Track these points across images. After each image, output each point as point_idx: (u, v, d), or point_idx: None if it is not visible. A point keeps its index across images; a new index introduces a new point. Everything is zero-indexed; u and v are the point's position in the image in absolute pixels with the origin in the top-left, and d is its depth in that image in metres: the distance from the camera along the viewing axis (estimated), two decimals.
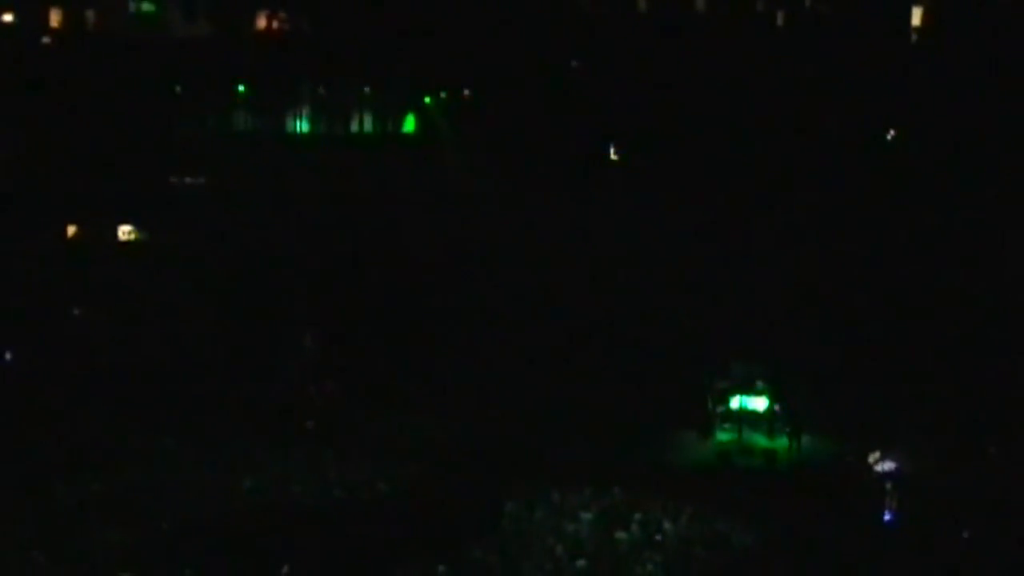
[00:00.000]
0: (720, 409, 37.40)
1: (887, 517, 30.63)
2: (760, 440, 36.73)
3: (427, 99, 46.67)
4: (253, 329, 40.83)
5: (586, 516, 30.23)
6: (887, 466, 32.72)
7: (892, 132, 42.53)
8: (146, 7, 48.21)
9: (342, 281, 41.93)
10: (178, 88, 46.90)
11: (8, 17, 47.33)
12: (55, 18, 47.39)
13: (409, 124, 47.94)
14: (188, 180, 47.29)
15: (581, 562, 27.42)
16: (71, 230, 46.36)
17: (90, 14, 47.57)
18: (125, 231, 46.57)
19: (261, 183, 44.72)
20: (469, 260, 42.70)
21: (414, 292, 42.10)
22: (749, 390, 37.30)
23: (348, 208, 44.10)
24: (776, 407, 37.04)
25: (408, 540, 28.46)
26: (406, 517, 30.13)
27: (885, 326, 38.69)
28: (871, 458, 33.22)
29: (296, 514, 30.32)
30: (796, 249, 39.91)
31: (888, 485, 31.49)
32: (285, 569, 26.47)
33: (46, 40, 47.62)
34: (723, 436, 37.05)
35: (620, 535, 29.03)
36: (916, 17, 42.00)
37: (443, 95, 46.50)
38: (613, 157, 45.61)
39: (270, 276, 42.29)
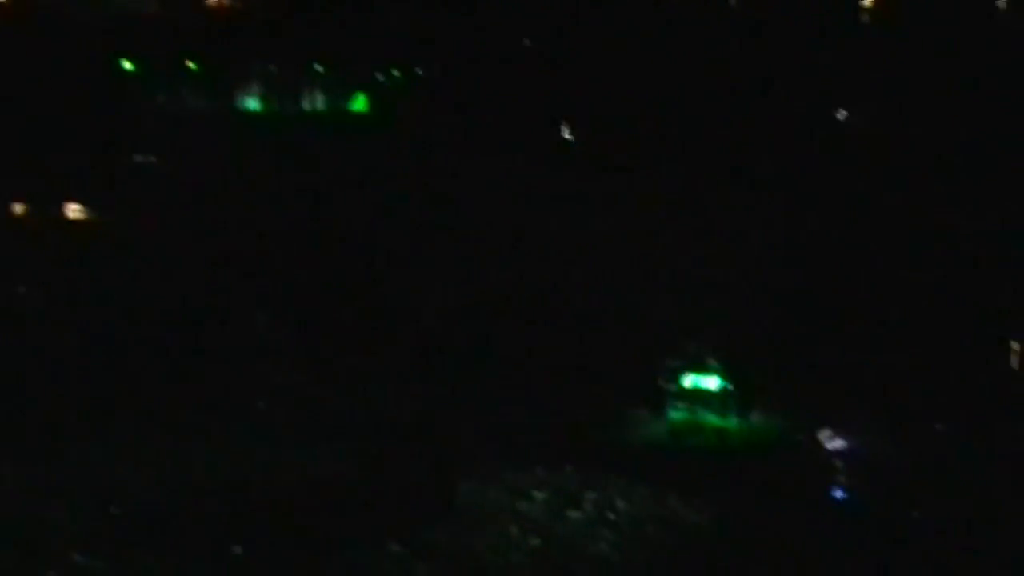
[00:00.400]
0: (672, 388, 37.26)
1: (838, 494, 30.84)
2: (712, 419, 36.66)
3: (379, 77, 46.36)
4: (205, 308, 40.09)
5: (539, 495, 30.23)
6: (838, 444, 32.85)
7: (843, 112, 42.50)
8: None
9: (298, 261, 41.43)
10: (127, 65, 46.28)
11: None
12: None
13: (360, 103, 47.57)
14: (138, 159, 46.64)
15: (535, 541, 27.49)
16: (17, 209, 45.65)
17: None
18: (73, 210, 45.87)
19: (212, 162, 44.11)
20: (425, 239, 42.38)
21: (372, 272, 41.71)
22: (701, 369, 37.27)
23: (302, 187, 43.74)
24: (728, 386, 36.98)
25: (362, 521, 28.30)
26: (360, 498, 29.91)
27: (838, 309, 38.83)
28: (822, 436, 33.35)
29: (248, 495, 29.99)
30: (753, 232, 39.68)
31: (839, 463, 31.81)
32: (237, 550, 26.26)
33: None
34: (675, 415, 36.88)
35: (573, 514, 29.15)
36: None
37: (396, 73, 46.22)
38: (568, 137, 45.52)
39: (223, 255, 41.64)
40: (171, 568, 25.64)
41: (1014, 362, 36.26)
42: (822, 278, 39.65)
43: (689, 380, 37.12)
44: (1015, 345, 36.16)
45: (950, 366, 36.43)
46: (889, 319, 38.28)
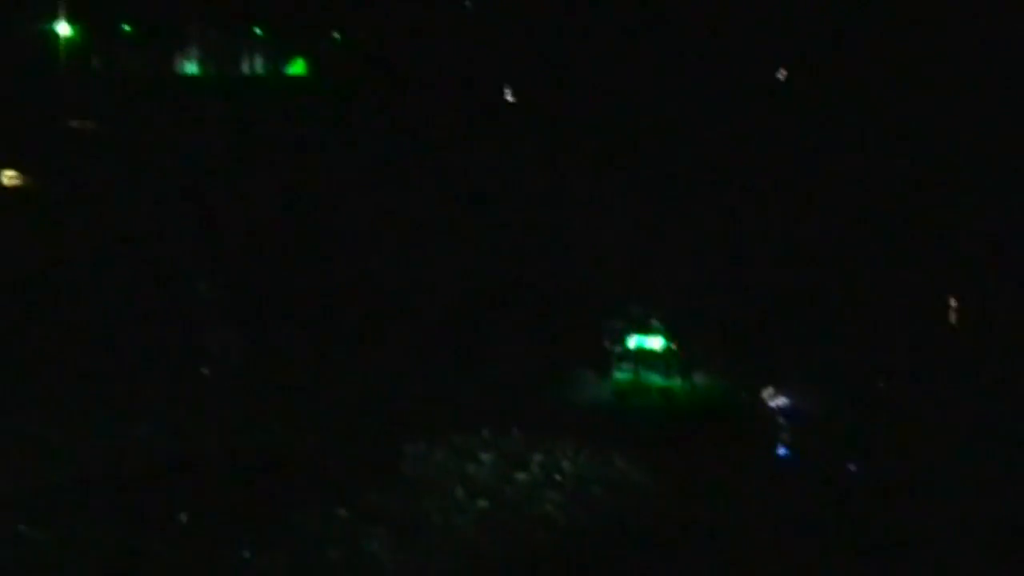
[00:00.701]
0: (617, 349, 37.32)
1: (781, 451, 31.12)
2: (656, 379, 36.79)
3: (318, 41, 45.90)
4: (144, 274, 39.45)
5: (486, 457, 30.27)
6: (780, 402, 33.04)
7: (783, 72, 42.42)
8: None
9: (237, 224, 40.79)
10: (63, 29, 45.49)
11: None
12: None
13: (299, 66, 47.13)
14: (75, 124, 45.94)
15: (482, 503, 27.54)
16: None
17: None
18: (9, 176, 45.26)
19: (150, 126, 43.36)
20: (367, 203, 42.04)
21: (314, 237, 41.41)
22: (646, 330, 37.31)
23: (240, 151, 43.31)
24: (672, 346, 37.12)
25: (306, 485, 28.17)
26: (304, 463, 29.78)
27: (780, 270, 39.01)
28: (765, 394, 33.55)
29: (191, 462, 29.68)
30: (697, 197, 39.62)
31: (781, 420, 32.05)
32: (182, 517, 26.05)
33: None
34: (620, 375, 37.01)
35: (520, 476, 29.18)
36: None
37: (337, 36, 45.76)
38: (510, 99, 45.25)
39: (160, 220, 40.98)
40: (116, 537, 25.21)
41: (952, 318, 36.48)
42: (765, 240, 39.67)
43: (633, 341, 37.17)
44: (952, 302, 36.33)
45: (890, 324, 36.79)
46: (828, 278, 38.52)
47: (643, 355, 37.11)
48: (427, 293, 39.36)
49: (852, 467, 29.35)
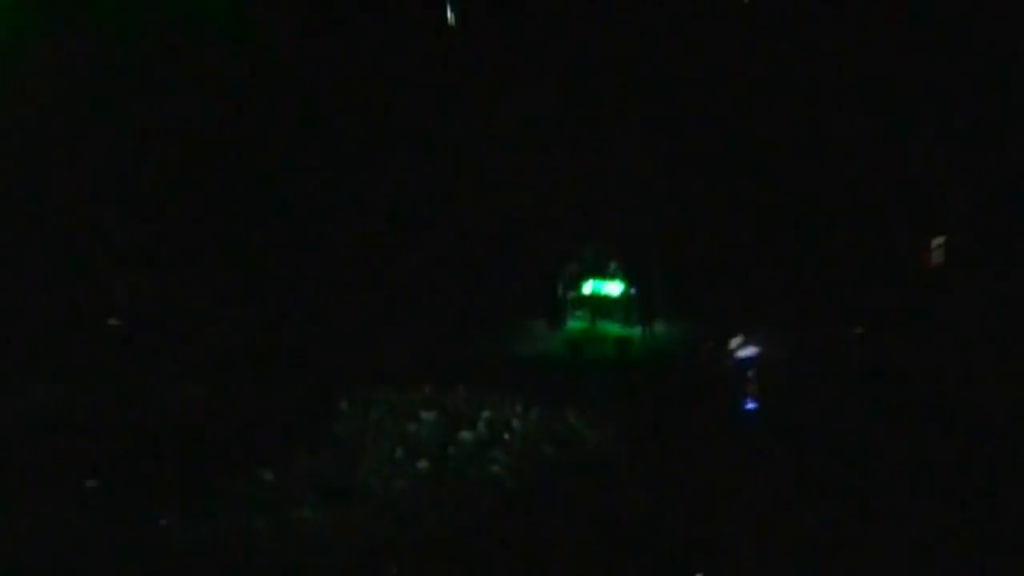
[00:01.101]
0: (571, 295, 35.31)
1: (748, 405, 29.05)
2: (614, 328, 34.81)
3: None
4: (41, 211, 35.15)
5: (428, 416, 28.19)
6: (749, 352, 30.72)
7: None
8: None
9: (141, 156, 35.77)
10: None
11: None
12: None
13: None
14: None
15: (423, 463, 25.62)
16: None
17: None
18: None
19: None
20: (299, 150, 37.37)
21: (235, 181, 36.58)
22: (602, 274, 35.35)
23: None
24: (631, 291, 35.00)
25: (229, 445, 25.95)
26: (226, 421, 27.42)
27: (747, 216, 35.95)
28: (732, 343, 31.16)
29: (102, 422, 27.24)
30: (658, 141, 36.64)
31: (750, 372, 29.78)
32: (91, 483, 24.31)
33: None
34: (574, 324, 35.07)
35: (465, 435, 27.27)
36: None
37: None
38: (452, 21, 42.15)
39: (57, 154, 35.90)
40: (26, 505, 23.22)
41: (935, 259, 34.27)
42: (732, 185, 36.51)
43: (589, 286, 35.28)
44: (937, 241, 34.11)
45: (869, 265, 34.23)
46: (799, 224, 35.49)
47: (599, 302, 35.22)
48: (366, 245, 35.89)
49: (825, 421, 27.15)
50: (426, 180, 35.85)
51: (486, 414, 28.21)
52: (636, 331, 34.56)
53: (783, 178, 35.31)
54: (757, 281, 34.25)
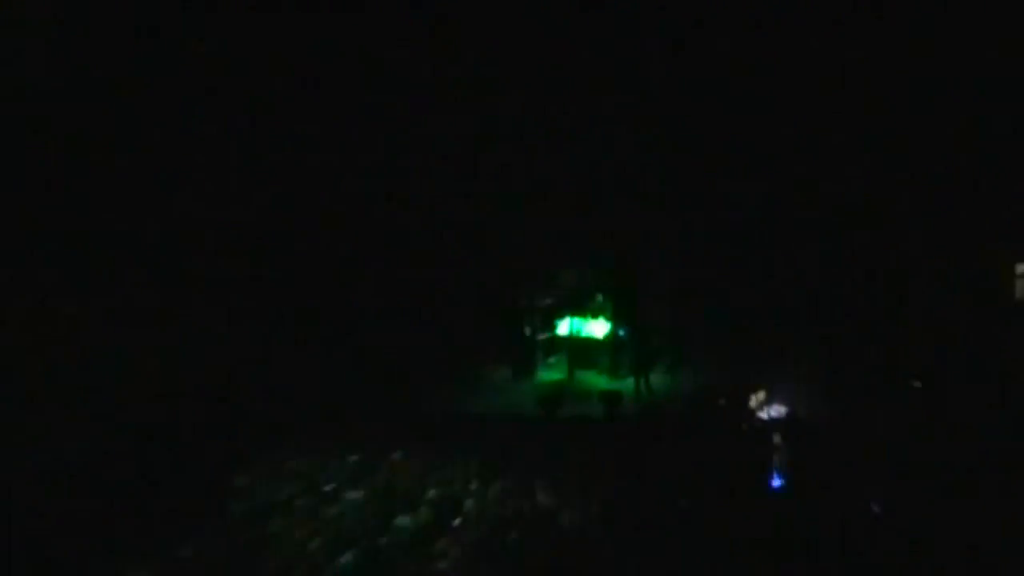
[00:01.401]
0: (543, 336, 29.13)
1: (776, 482, 22.53)
2: (598, 379, 28.36)
3: None
4: None
5: (354, 495, 21.81)
6: (776, 411, 24.85)
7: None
8: None
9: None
10: None
11: None
12: None
13: None
14: None
15: (347, 558, 19.16)
16: None
17: None
18: None
19: None
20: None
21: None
22: (584, 309, 29.03)
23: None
24: (620, 333, 28.50)
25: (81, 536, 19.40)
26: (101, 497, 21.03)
27: (772, 229, 29.60)
28: (754, 400, 25.14)
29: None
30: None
31: (777, 438, 23.63)
32: None
33: None
34: (548, 374, 28.84)
35: (403, 520, 20.73)
36: None
37: None
38: None
39: None
40: None
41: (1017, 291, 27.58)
42: (753, 192, 30.06)
43: (566, 325, 29.07)
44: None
45: (923, 303, 27.86)
46: (837, 246, 29.02)
47: (580, 345, 29.03)
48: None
49: (876, 507, 20.41)
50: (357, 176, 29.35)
51: (432, 492, 22.06)
52: (627, 383, 27.94)
53: (815, 184, 28.71)
54: (785, 322, 27.84)
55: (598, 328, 28.72)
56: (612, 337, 28.50)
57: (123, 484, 21.70)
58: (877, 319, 26.97)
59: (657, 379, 27.92)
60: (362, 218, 28.20)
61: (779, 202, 28.07)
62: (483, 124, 29.08)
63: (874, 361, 26.26)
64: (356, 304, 27.86)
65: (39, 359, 25.51)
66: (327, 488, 21.88)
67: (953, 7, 28.45)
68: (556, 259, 28.92)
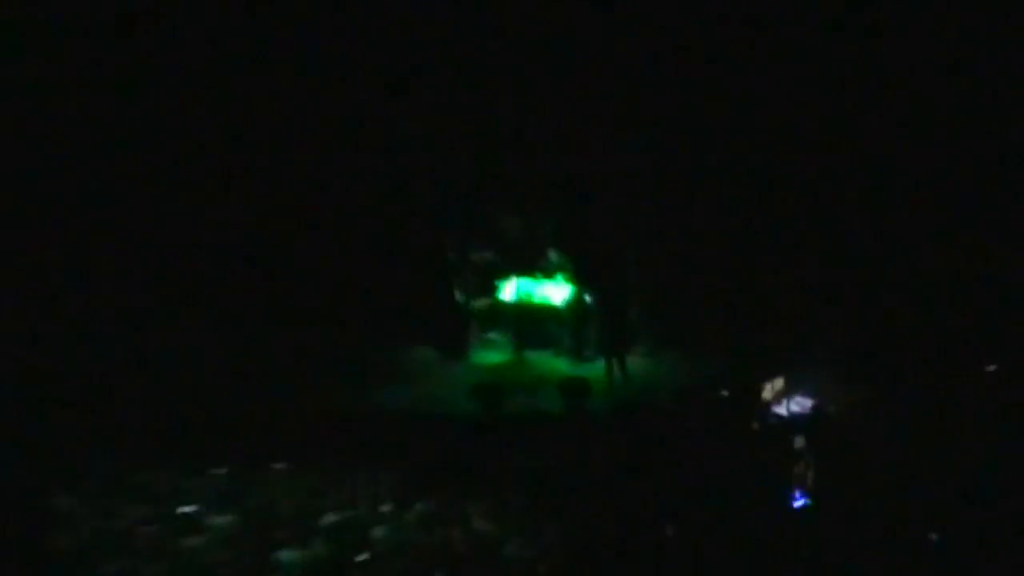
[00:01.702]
0: (482, 305, 24.45)
1: (798, 499, 18.52)
2: (557, 362, 24.07)
3: None
4: None
5: (221, 521, 17.25)
6: (798, 405, 20.71)
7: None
8: None
9: None
10: None
11: None
12: None
13: None
14: None
15: None
16: None
17: None
18: None
19: None
20: None
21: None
22: (535, 269, 24.32)
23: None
24: (586, 299, 23.77)
25: None
26: None
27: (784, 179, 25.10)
28: (769, 391, 20.73)
29: None
30: None
31: (800, 441, 19.21)
32: None
33: None
34: (487, 355, 24.49)
35: (287, 555, 16.31)
36: None
37: None
38: None
39: None
40: None
41: None
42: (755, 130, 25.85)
43: (511, 288, 24.65)
44: None
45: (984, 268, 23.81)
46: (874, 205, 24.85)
47: (531, 316, 24.30)
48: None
49: (934, 536, 16.51)
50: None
51: (328, 517, 17.82)
52: (596, 368, 23.75)
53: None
54: (806, 288, 23.83)
55: (555, 292, 24.21)
56: (575, 305, 24.01)
57: None
58: (926, 291, 23.03)
59: (636, 363, 23.74)
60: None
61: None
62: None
63: (924, 343, 22.33)
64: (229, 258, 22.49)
65: None
66: (184, 511, 17.59)
67: (953, 7, 26.95)
68: (500, 201, 23.74)
